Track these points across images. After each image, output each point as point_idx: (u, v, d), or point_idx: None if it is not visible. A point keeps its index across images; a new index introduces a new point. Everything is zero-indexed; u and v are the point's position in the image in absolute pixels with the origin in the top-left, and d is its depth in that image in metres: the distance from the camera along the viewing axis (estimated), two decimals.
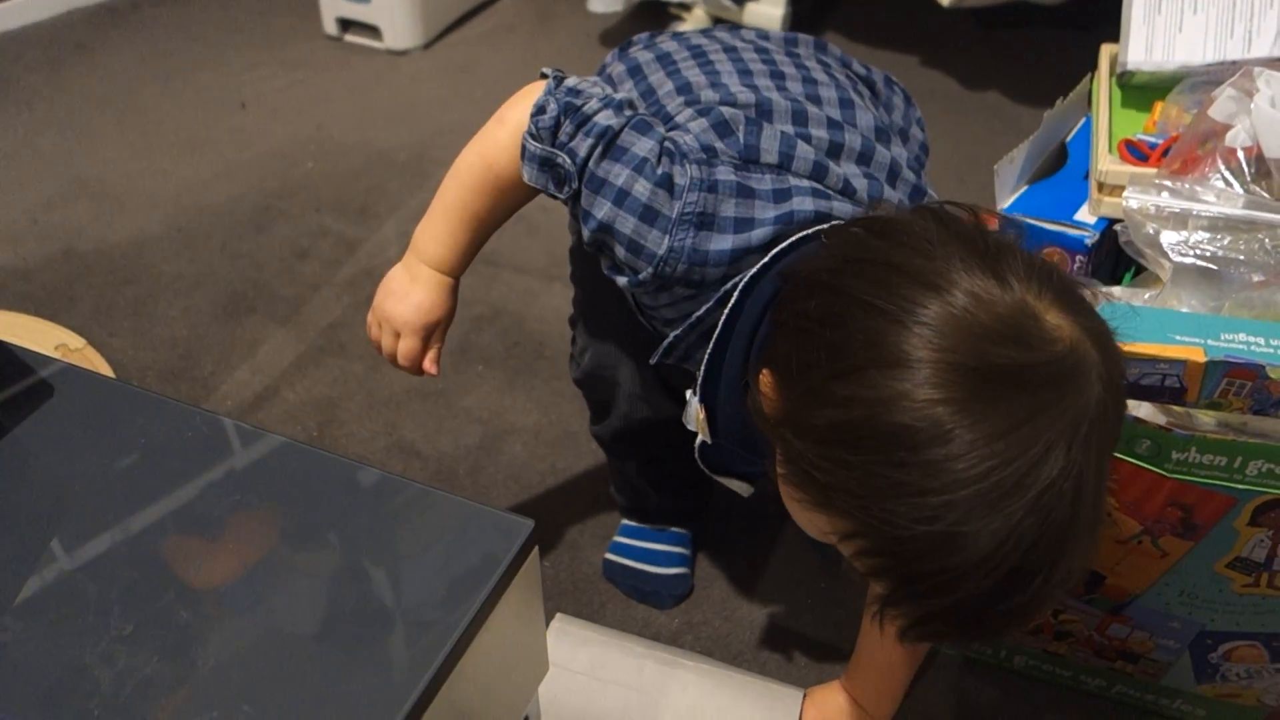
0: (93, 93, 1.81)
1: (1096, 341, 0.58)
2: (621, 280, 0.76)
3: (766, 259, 0.70)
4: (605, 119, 0.72)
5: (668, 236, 0.71)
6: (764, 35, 0.88)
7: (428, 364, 0.87)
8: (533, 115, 0.74)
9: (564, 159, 0.73)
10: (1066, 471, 0.55)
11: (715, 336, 0.73)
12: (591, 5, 1.86)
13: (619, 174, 0.71)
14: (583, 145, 0.72)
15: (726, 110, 0.75)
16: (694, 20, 1.91)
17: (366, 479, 0.65)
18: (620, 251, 0.73)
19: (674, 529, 1.08)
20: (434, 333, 0.87)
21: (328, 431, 1.23)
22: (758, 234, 0.71)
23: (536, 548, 0.63)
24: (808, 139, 0.75)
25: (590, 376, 0.94)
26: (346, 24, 1.94)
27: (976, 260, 0.58)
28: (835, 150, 0.75)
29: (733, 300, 0.71)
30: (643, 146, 0.72)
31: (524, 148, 0.75)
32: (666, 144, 0.73)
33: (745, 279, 0.71)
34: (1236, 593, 0.81)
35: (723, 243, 0.71)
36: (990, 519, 0.54)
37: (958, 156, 1.63)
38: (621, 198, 0.71)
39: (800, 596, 1.07)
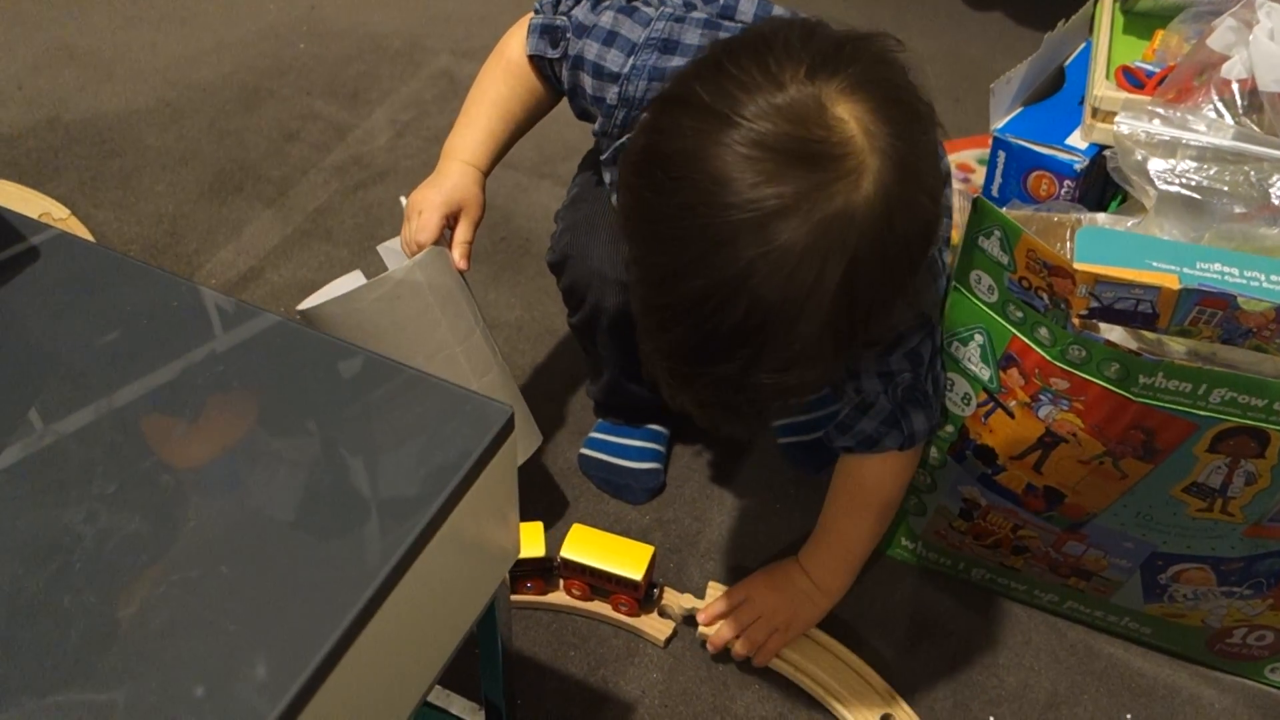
0: None
1: (890, 157, 0.60)
2: (596, 126, 0.85)
3: None
4: None
5: (631, 57, 0.81)
6: None
7: (458, 257, 0.89)
8: None
9: (562, 19, 0.86)
10: (788, 248, 0.58)
11: None
12: None
13: (594, 17, 0.84)
14: (579, 8, 0.85)
15: None
16: None
17: (351, 361, 0.66)
18: (588, 83, 0.84)
19: (649, 426, 1.10)
20: (459, 220, 0.90)
21: None
22: None
23: (514, 435, 0.64)
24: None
25: (564, 259, 0.95)
26: None
27: (804, 66, 0.61)
28: None
29: None
30: None
31: (530, 26, 0.88)
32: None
33: None
34: (1190, 516, 0.83)
35: (682, 63, 0.76)
36: (710, 260, 0.59)
37: (956, 75, 1.61)
38: (589, 30, 0.83)
39: (769, 500, 1.09)
